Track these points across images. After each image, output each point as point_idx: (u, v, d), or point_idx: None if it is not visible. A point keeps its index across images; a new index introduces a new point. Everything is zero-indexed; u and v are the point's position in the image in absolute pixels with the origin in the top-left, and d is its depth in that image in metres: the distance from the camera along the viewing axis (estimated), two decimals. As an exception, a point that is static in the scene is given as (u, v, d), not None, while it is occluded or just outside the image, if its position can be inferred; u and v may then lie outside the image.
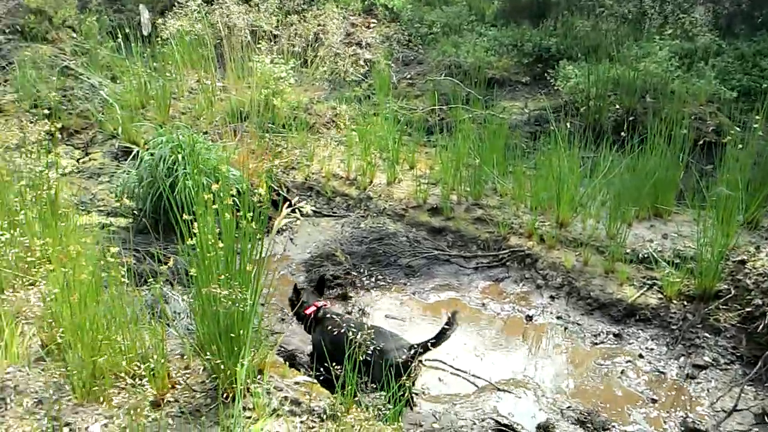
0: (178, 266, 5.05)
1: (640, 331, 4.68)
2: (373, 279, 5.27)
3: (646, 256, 5.06)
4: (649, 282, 4.89)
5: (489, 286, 5.28)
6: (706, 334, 4.49)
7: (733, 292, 4.56)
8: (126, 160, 6.73)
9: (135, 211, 5.59)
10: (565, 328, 4.78)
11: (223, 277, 3.10)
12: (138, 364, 3.22)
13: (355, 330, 3.40)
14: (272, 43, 8.09)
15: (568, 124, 5.96)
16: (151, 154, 5.43)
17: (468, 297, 5.13)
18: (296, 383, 3.43)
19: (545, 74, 9.61)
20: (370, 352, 3.31)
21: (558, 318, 4.89)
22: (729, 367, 4.30)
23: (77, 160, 6.97)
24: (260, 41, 7.87)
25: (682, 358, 4.42)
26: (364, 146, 6.69)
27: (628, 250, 5.13)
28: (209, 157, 5.56)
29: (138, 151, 5.88)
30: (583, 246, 5.30)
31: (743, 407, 3.97)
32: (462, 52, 9.87)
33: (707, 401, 4.09)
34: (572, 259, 5.22)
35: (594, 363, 4.44)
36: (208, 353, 3.25)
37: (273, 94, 7.48)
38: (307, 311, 4.14)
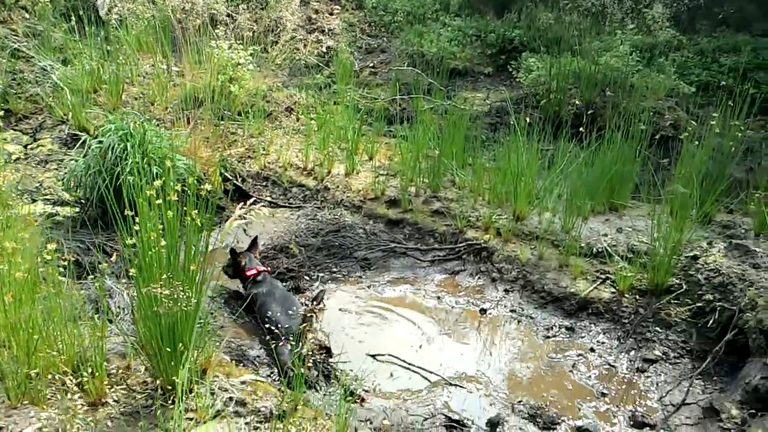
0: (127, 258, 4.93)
1: (592, 325, 4.70)
2: (327, 272, 5.20)
3: (600, 250, 5.08)
4: (602, 276, 4.91)
5: (445, 279, 5.25)
6: (657, 329, 4.53)
7: (684, 287, 4.60)
8: (75, 147, 6.53)
9: (82, 201, 5.42)
10: (519, 322, 4.78)
11: (165, 276, 3.00)
12: (76, 363, 3.11)
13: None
14: (230, 27, 7.90)
15: (527, 117, 5.94)
16: (100, 142, 5.25)
17: (423, 290, 5.10)
18: (242, 383, 3.35)
19: (508, 66, 9.62)
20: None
21: (512, 311, 4.89)
22: (679, 361, 4.34)
23: (25, 147, 6.73)
24: (218, 26, 7.68)
25: (632, 352, 4.45)
26: (323, 136, 6.60)
27: (582, 244, 5.15)
28: (160, 145, 5.40)
29: (86, 139, 5.68)
30: (538, 240, 5.30)
31: (692, 401, 4.01)
32: (426, 41, 9.81)
33: (656, 395, 4.12)
34: (528, 252, 5.21)
35: (546, 356, 4.44)
36: (149, 353, 3.16)
37: (230, 81, 7.33)
38: (248, 273, 4.72)
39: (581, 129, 5.87)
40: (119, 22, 7.97)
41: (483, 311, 4.86)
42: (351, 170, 6.34)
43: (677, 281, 4.65)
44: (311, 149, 6.61)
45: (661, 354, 4.39)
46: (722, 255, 4.69)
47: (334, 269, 5.23)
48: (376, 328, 4.64)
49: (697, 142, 5.51)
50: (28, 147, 6.76)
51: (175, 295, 2.94)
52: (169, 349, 3.05)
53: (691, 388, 4.06)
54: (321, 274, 5.14)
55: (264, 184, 6.29)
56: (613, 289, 4.82)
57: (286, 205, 6.08)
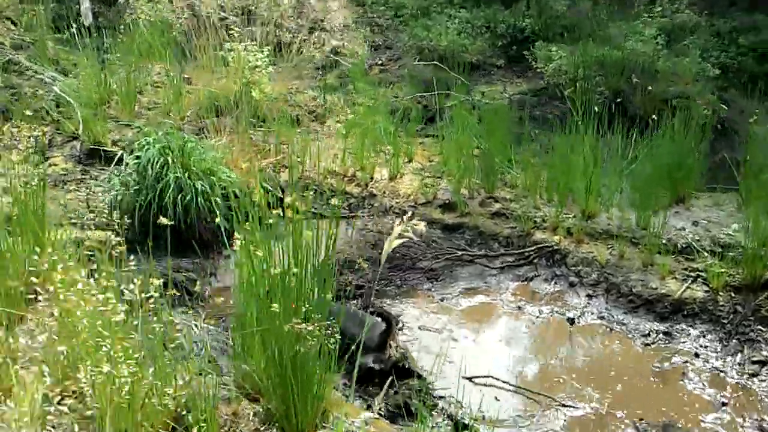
0: (186, 287, 4.51)
1: (690, 328, 4.42)
2: (393, 286, 4.84)
3: (684, 246, 4.80)
4: (692, 274, 4.63)
5: (519, 286, 4.92)
6: (761, 327, 4.27)
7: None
8: (93, 163, 6.04)
9: (120, 224, 4.94)
10: (611, 330, 4.47)
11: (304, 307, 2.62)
12: (180, 411, 2.70)
13: None
14: (242, 29, 7.45)
15: (579, 111, 5.62)
16: (137, 157, 4.79)
17: (500, 300, 4.76)
18: (365, 422, 2.97)
19: (522, 57, 9.32)
20: None
21: (601, 318, 4.58)
22: (794, 361, 4.08)
23: (36, 166, 6.20)
24: (231, 28, 7.23)
25: (739, 355, 4.18)
26: (360, 140, 6.21)
27: (663, 240, 4.85)
28: (202, 158, 4.96)
29: (121, 155, 5.17)
30: (614, 238, 5.00)
31: (818, 405, 3.76)
32: (434, 35, 9.45)
33: (778, 401, 3.85)
34: (605, 252, 4.91)
35: (650, 366, 4.14)
36: (265, 397, 2.76)
37: (249, 85, 6.88)
38: None
39: (641, 119, 5.58)
40: (127, 25, 7.46)
41: (571, 321, 4.54)
42: (395, 174, 5.96)
43: (775, 275, 4.39)
44: (347, 155, 6.22)
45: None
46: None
47: (401, 283, 4.87)
48: (461, 345, 4.29)
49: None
50: (39, 166, 6.23)
51: (316, 332, 2.55)
52: (295, 390, 2.67)
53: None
54: (388, 289, 4.77)
55: (303, 194, 5.86)
56: (706, 288, 4.54)
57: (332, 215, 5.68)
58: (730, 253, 4.60)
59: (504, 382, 3.91)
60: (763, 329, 4.25)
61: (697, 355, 4.21)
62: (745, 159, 5.41)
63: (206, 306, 4.51)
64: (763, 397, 3.89)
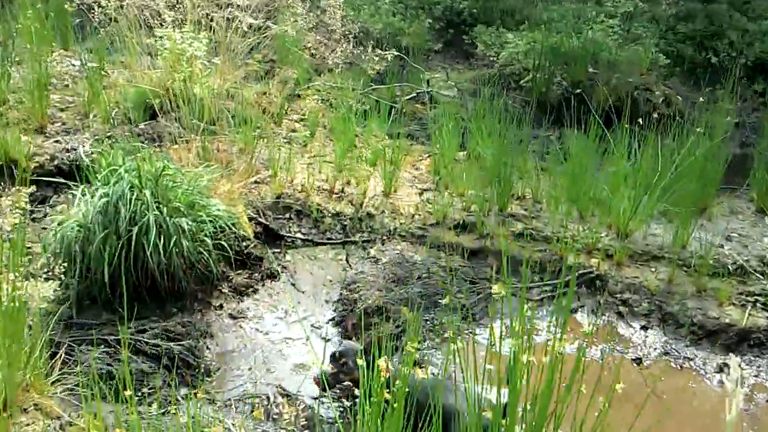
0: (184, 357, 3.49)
1: (758, 359, 4.07)
2: (429, 332, 4.08)
3: (735, 267, 4.45)
4: (750, 299, 4.29)
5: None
6: (837, 356, 4.01)
7: None
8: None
9: (73, 277, 3.76)
10: (681, 367, 4.03)
11: None
12: None
13: None
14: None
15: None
16: (106, 194, 3.61)
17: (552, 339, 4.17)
18: None
19: (462, 41, 8.76)
20: None
21: (665, 354, 4.12)
22: None
23: None
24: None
25: (822, 388, 3.90)
26: (340, 146, 5.32)
27: (710, 261, 4.48)
28: (186, 188, 3.87)
29: (82, 190, 3.88)
30: (656, 260, 4.56)
31: None
32: (364, 15, 8.59)
33: None
34: (652, 277, 4.46)
35: (742, 409, 3.74)
36: None
37: (188, 79, 5.70)
38: None
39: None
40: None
41: (638, 361, 4.04)
42: (390, 189, 5.14)
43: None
44: (325, 165, 5.31)
45: None
46: None
47: (424, 330, 4.11)
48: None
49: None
50: None
51: None
52: None
53: None
54: (426, 336, 4.01)
55: (287, 216, 4.91)
56: (767, 313, 4.22)
57: (326, 241, 4.79)
58: (784, 273, 4.32)
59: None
60: (839, 357, 3.99)
61: (777, 392, 3.87)
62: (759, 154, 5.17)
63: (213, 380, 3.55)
64: None
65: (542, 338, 4.11)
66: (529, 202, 5.19)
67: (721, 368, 4.02)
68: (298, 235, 4.81)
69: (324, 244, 4.78)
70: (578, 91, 7.38)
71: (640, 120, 5.15)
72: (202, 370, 3.55)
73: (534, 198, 5.19)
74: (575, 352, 3.74)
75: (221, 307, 4.06)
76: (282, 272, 4.44)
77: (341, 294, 4.29)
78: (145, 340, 3.54)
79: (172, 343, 3.57)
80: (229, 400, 3.39)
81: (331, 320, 4.13)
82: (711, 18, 8.71)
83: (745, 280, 4.40)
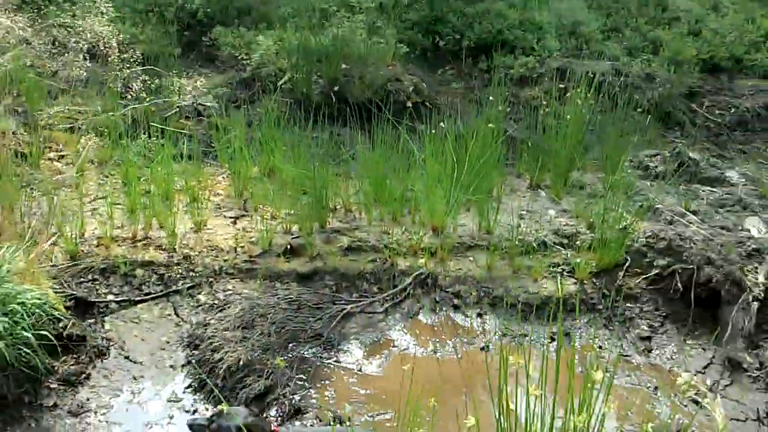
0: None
1: (576, 321, 4.65)
2: (300, 372, 3.89)
3: (539, 243, 4.97)
4: (557, 269, 4.85)
5: (411, 325, 4.47)
6: (628, 305, 4.73)
7: (629, 259, 4.87)
8: None
9: None
10: (521, 344, 4.43)
11: None
12: None
13: None
14: None
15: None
16: None
17: (409, 347, 4.27)
18: None
19: (203, 43, 8.35)
20: None
21: (504, 336, 4.49)
22: (665, 328, 4.64)
23: None
24: None
25: (627, 336, 4.58)
26: (129, 182, 4.72)
27: (516, 242, 4.95)
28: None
29: None
30: (471, 249, 4.91)
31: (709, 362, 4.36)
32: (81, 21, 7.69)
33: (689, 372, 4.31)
34: (472, 266, 4.79)
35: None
36: None
37: None
38: None
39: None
40: None
41: (486, 348, 4.34)
42: (199, 224, 4.73)
43: (622, 256, 4.87)
44: (112, 207, 4.67)
45: (648, 328, 4.61)
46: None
47: (301, 371, 3.92)
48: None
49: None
50: None
51: None
52: None
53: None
54: (296, 377, 3.82)
55: (91, 278, 4.23)
56: (574, 280, 4.81)
57: (145, 297, 4.25)
58: (577, 242, 4.96)
59: None
60: (632, 305, 4.73)
61: (601, 348, 4.48)
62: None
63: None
64: (666, 366, 4.35)
65: (406, 342, 4.23)
66: (341, 212, 5.17)
67: (552, 338, 4.52)
68: (110, 297, 4.19)
69: (143, 300, 4.24)
70: (336, 88, 7.51)
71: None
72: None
73: (346, 208, 5.19)
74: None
75: (56, 406, 3.40)
76: (110, 347, 3.84)
77: (188, 354, 3.86)
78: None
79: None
80: None
81: (188, 388, 3.70)
82: (432, 4, 9.42)
83: (547, 253, 4.95)
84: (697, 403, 4.02)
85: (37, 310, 3.35)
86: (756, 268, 4.67)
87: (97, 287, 4.19)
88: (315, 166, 5.02)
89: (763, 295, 4.50)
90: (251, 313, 4.09)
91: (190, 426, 3.03)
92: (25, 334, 3.23)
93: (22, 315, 3.24)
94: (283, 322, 4.11)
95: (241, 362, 3.67)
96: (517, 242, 4.94)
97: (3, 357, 3.12)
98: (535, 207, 5.49)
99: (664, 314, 4.71)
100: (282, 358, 3.76)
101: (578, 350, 4.44)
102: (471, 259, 4.88)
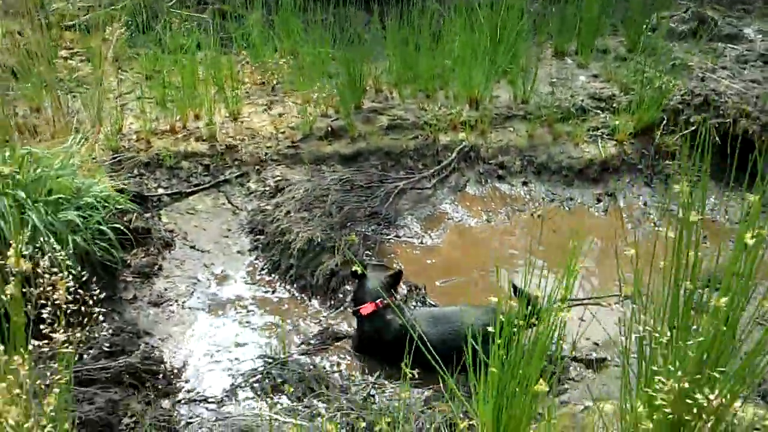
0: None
1: (619, 182, 4.72)
2: (364, 248, 3.93)
3: (576, 109, 4.95)
4: (596, 133, 4.87)
5: (461, 198, 4.51)
6: (668, 162, 4.80)
7: (666, 118, 4.89)
8: None
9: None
10: (569, 208, 4.52)
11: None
12: None
13: None
14: None
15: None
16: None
17: (462, 218, 4.34)
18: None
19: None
20: None
21: (551, 201, 4.56)
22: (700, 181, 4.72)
23: None
24: None
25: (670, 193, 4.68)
26: (153, 78, 4.56)
27: (554, 110, 4.92)
28: (64, 172, 3.01)
29: None
30: (510, 119, 4.88)
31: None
32: None
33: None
34: (513, 136, 4.79)
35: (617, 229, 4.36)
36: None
37: None
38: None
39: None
40: None
41: (540, 216, 4.41)
42: (235, 112, 4.61)
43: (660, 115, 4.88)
44: (143, 102, 4.51)
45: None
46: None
47: (360, 248, 3.94)
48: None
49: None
50: None
51: None
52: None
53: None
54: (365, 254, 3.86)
55: (138, 173, 4.15)
56: (614, 142, 4.84)
57: (195, 189, 4.20)
58: (613, 105, 4.97)
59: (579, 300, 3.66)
60: (671, 162, 4.80)
61: (646, 204, 4.58)
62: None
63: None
64: (709, 217, 4.48)
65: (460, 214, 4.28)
66: (371, 93, 5.07)
67: (599, 198, 4.60)
68: (161, 190, 4.13)
69: (195, 192, 4.19)
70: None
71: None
72: (173, 372, 3.00)
73: (376, 88, 5.07)
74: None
75: (135, 298, 3.40)
76: (174, 238, 3.82)
77: (253, 240, 3.87)
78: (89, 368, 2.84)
79: (120, 360, 2.92)
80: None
81: (262, 270, 3.73)
82: None
83: (586, 117, 4.95)
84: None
85: (106, 204, 3.28)
86: (789, 117, 4.74)
87: (146, 181, 4.11)
88: (344, 47, 4.90)
89: (797, 143, 4.59)
90: (309, 196, 4.06)
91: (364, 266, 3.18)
92: (103, 228, 3.18)
93: (96, 208, 3.17)
94: (340, 203, 4.10)
95: (312, 242, 3.68)
96: (555, 109, 4.92)
97: (87, 250, 3.08)
98: (565, 74, 5.43)
99: (701, 169, 4.78)
100: (354, 235, 3.78)
101: (623, 208, 4.55)
102: (511, 129, 4.87)
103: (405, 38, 5.02)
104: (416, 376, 2.34)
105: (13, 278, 1.85)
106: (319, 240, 3.67)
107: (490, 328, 2.19)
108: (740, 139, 4.65)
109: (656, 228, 4.38)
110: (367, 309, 3.13)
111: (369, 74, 5.03)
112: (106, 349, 2.96)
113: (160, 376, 2.97)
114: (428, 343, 2.41)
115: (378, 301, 3.11)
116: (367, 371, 3.15)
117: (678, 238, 2.03)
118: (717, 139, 4.74)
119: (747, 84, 5.09)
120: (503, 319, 2.17)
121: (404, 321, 2.89)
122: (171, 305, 3.44)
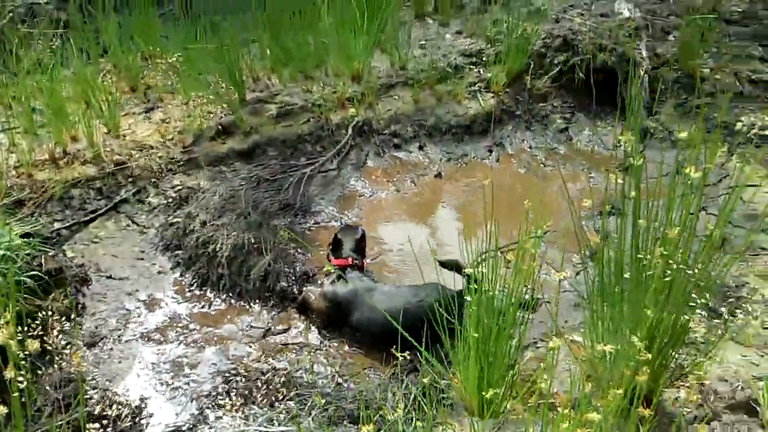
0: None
1: (503, 131, 4.98)
2: (292, 245, 3.90)
3: (451, 68, 5.13)
4: (474, 89, 5.08)
5: (365, 173, 4.59)
6: (541, 104, 5.13)
7: (532, 63, 5.20)
8: None
9: None
10: (467, 164, 4.73)
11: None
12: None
13: None
14: None
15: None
16: None
17: (373, 192, 4.43)
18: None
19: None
20: None
21: (449, 161, 4.75)
22: (576, 117, 5.10)
23: None
24: None
25: (548, 132, 5.02)
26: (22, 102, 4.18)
27: (432, 71, 5.07)
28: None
29: None
30: (392, 88, 4.98)
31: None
32: None
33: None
34: (399, 104, 4.91)
35: (510, 174, 4.66)
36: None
37: None
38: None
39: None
40: None
41: (439, 175, 4.60)
42: (114, 127, 4.35)
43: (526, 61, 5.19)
44: (14, 134, 4.14)
45: (562, 121, 5.07)
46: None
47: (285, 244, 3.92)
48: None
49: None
50: None
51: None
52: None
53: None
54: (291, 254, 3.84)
55: (27, 212, 3.82)
56: (491, 94, 5.08)
57: (94, 216, 3.94)
58: (483, 58, 5.20)
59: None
60: (544, 104, 5.13)
61: (531, 147, 4.89)
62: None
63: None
64: (587, 149, 4.88)
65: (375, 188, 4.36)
66: (249, 81, 4.95)
67: (490, 150, 4.85)
68: (57, 224, 3.84)
69: (93, 219, 3.93)
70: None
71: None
72: (133, 410, 2.88)
73: (253, 76, 4.96)
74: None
75: (69, 344, 3.18)
76: (87, 272, 3.59)
77: (171, 257, 3.73)
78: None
79: (74, 412, 2.76)
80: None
81: (191, 285, 3.61)
82: None
83: (462, 75, 5.14)
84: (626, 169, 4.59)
85: (17, 252, 3.02)
86: (638, 45, 5.20)
87: (38, 218, 3.80)
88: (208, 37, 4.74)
89: (650, 68, 5.07)
90: (220, 201, 3.95)
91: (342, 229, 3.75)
92: (19, 278, 2.94)
93: (12, 259, 2.92)
94: (253, 201, 4.02)
95: (237, 246, 3.60)
96: (432, 71, 5.07)
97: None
98: (431, 35, 5.58)
99: (572, 105, 5.18)
100: (281, 231, 3.75)
101: (513, 155, 4.84)
102: (396, 97, 4.97)
103: (271, 18, 4.94)
104: (399, 357, 2.42)
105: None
106: (252, 242, 3.60)
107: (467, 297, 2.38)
108: (600, 72, 5.11)
109: (545, 167, 4.72)
110: (344, 262, 3.53)
111: (242, 61, 4.90)
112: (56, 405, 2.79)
113: (122, 417, 2.84)
114: (388, 316, 2.60)
115: (350, 259, 3.54)
116: (327, 362, 3.19)
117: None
118: (581, 75, 5.15)
119: (597, 19, 5.48)
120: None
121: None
122: (107, 342, 3.26)
